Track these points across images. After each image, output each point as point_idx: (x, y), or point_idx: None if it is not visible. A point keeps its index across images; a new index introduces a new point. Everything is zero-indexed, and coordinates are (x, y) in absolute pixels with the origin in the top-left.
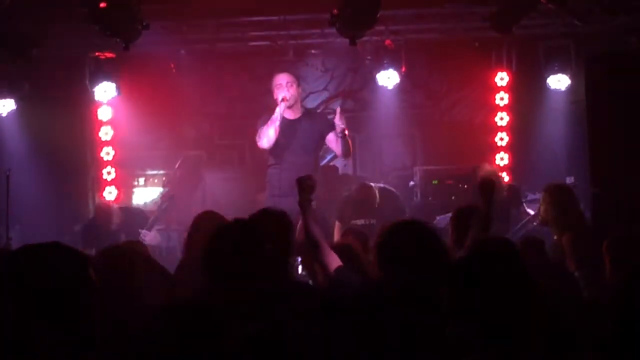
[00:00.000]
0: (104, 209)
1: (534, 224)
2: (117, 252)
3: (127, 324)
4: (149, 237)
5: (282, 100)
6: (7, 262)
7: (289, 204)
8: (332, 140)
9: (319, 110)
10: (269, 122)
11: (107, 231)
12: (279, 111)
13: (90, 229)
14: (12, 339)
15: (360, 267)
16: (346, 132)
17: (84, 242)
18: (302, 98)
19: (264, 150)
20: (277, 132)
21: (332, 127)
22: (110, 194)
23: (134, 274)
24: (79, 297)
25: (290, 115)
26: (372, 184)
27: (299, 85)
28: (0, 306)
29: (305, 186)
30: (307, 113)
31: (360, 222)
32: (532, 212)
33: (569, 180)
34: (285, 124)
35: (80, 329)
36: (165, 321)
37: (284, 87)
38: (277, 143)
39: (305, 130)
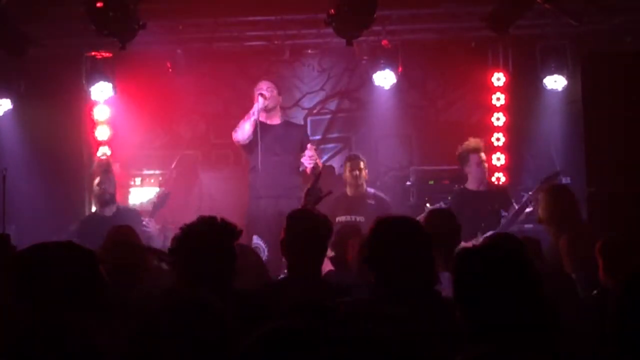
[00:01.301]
0: (105, 162)
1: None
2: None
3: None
4: (152, 225)
5: (261, 95)
6: (19, 259)
7: (269, 205)
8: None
9: (315, 111)
10: (246, 116)
11: (102, 224)
12: (256, 107)
13: (86, 225)
14: (23, 334)
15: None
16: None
17: (81, 238)
18: (298, 98)
19: (246, 152)
20: (253, 127)
21: (308, 141)
22: None
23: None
24: (90, 294)
25: (270, 120)
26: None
27: (279, 93)
28: (13, 302)
29: (311, 192)
30: (288, 122)
31: (343, 218)
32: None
33: (565, 180)
34: (264, 128)
35: (92, 325)
36: (164, 317)
37: (263, 91)
38: (256, 146)
39: (284, 133)
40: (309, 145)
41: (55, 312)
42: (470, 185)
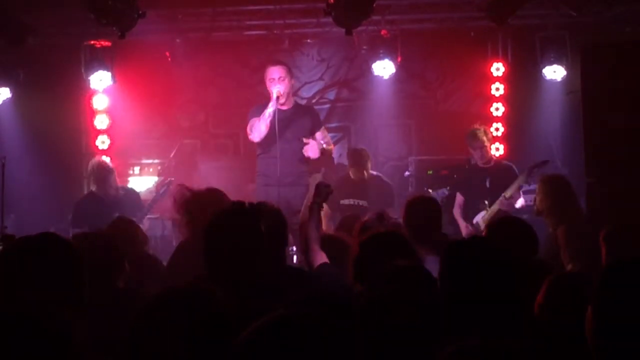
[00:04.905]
0: (105, 167)
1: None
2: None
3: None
4: (146, 224)
5: (277, 97)
6: None
7: (281, 192)
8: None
9: (314, 100)
10: (261, 118)
11: (100, 210)
12: (272, 109)
13: (82, 206)
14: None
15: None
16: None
17: (75, 221)
18: (297, 88)
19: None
20: (269, 128)
21: (320, 124)
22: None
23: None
24: (66, 286)
25: (282, 106)
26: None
27: (292, 77)
28: None
29: (320, 191)
30: (298, 105)
31: (347, 201)
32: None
33: (564, 170)
34: (276, 114)
35: (66, 315)
36: (163, 310)
37: (276, 82)
38: (267, 133)
39: (296, 120)
40: (318, 134)
41: (25, 302)
42: (478, 161)
